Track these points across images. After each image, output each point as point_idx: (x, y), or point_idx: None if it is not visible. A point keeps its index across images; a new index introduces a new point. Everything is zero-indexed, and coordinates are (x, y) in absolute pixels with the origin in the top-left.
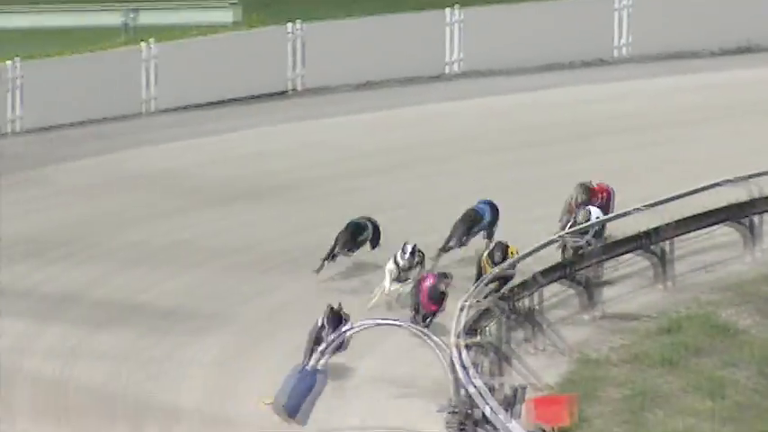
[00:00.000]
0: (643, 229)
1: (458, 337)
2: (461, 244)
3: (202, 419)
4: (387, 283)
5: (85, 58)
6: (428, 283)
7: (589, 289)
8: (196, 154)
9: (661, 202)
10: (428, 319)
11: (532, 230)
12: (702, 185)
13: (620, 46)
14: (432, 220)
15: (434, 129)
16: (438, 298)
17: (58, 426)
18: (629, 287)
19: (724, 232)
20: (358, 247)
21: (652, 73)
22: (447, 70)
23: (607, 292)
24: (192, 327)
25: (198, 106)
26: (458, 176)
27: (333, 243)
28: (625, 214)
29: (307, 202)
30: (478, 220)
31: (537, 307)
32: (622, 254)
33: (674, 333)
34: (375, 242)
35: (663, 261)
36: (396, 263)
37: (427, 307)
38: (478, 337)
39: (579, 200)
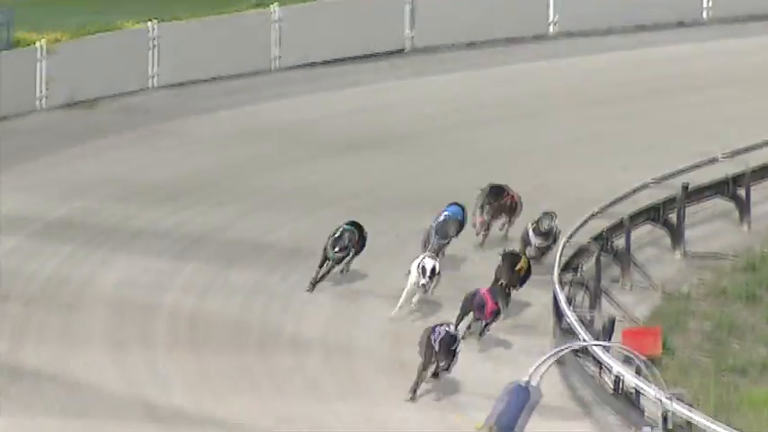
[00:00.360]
0: (725, 176)
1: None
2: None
3: (326, 348)
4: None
5: (218, 20)
6: (483, 292)
7: (675, 231)
8: (320, 107)
9: (739, 153)
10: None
11: (622, 178)
12: None
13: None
14: (532, 167)
15: (536, 84)
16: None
17: (194, 355)
18: (713, 229)
19: None
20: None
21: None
22: (549, 30)
23: (692, 233)
24: (313, 263)
25: (321, 64)
26: (556, 128)
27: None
28: (710, 162)
29: (420, 152)
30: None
31: (627, 247)
32: (708, 198)
33: (754, 270)
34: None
35: (743, 205)
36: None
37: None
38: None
39: (487, 201)
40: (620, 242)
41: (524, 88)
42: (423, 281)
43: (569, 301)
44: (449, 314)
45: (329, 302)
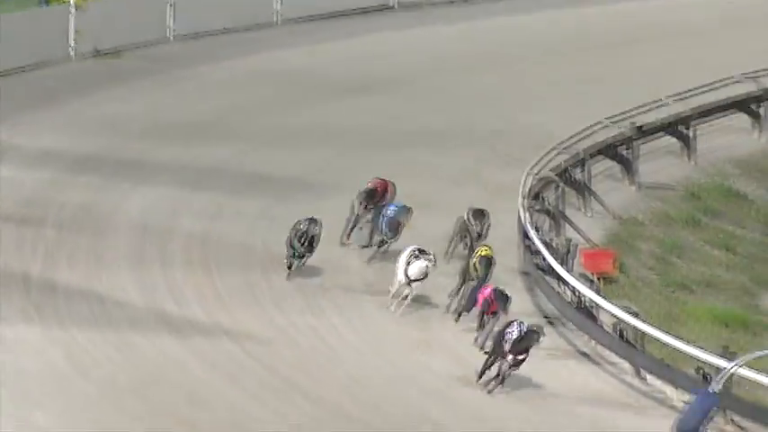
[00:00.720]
0: (672, 116)
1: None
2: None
3: (322, 268)
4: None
5: None
6: (488, 291)
7: (629, 165)
8: (318, 56)
9: (686, 95)
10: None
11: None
12: (720, 80)
13: None
14: (506, 109)
15: (508, 38)
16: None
17: (206, 273)
18: (662, 164)
19: (740, 119)
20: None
21: None
22: None
23: (644, 167)
24: (312, 193)
25: (318, 17)
26: (530, 75)
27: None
28: (659, 105)
29: (407, 95)
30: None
31: (586, 179)
32: (658, 136)
33: (697, 199)
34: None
35: (689, 142)
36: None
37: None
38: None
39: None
40: (580, 175)
41: (497, 40)
42: (407, 291)
43: (536, 228)
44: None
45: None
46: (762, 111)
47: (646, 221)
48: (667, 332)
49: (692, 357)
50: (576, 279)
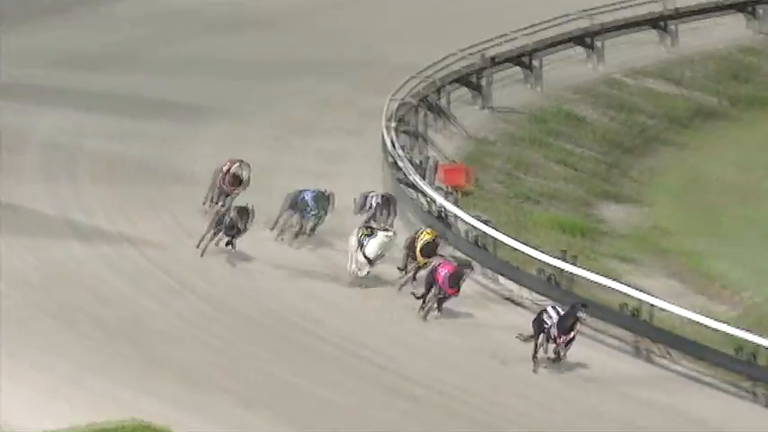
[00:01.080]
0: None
1: (388, 121)
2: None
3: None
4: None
5: None
6: (445, 270)
7: (483, 91)
8: None
9: (531, 30)
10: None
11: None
12: (561, 16)
13: None
14: (374, 42)
15: None
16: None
17: (110, 186)
18: (512, 91)
19: (578, 51)
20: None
21: None
22: None
23: (497, 93)
24: (206, 118)
25: None
26: (389, 13)
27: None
28: (508, 40)
29: (286, 31)
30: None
31: (445, 104)
32: (507, 66)
33: (541, 122)
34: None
35: (536, 72)
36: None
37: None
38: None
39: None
40: (437, 101)
41: None
42: (366, 269)
43: (402, 147)
44: None
45: (213, 145)
46: (597, 44)
47: (497, 141)
48: (515, 238)
49: (536, 260)
50: (435, 191)
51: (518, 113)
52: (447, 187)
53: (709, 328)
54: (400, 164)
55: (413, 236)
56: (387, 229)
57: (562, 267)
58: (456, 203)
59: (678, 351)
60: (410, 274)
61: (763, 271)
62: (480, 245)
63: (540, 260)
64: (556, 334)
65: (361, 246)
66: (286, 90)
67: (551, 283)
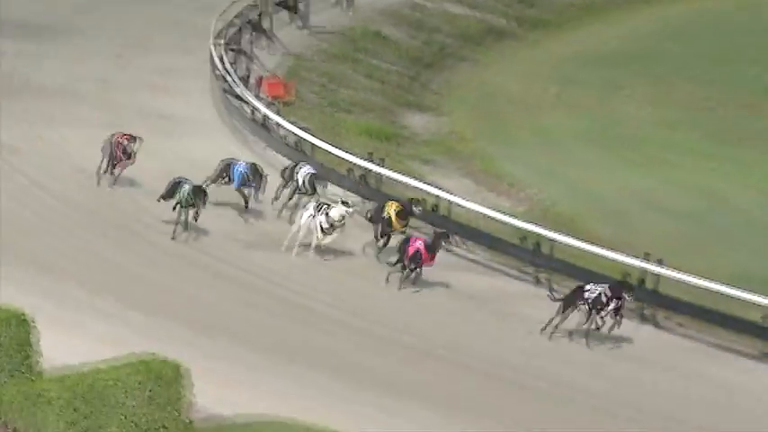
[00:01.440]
0: None
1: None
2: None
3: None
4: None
5: None
6: (419, 244)
7: (301, 13)
8: None
9: None
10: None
11: None
12: None
13: None
14: None
15: None
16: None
17: None
18: (330, 14)
19: None
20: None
21: None
22: None
23: (314, 17)
24: (65, 36)
25: None
26: None
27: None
28: None
29: None
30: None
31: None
32: None
33: (353, 41)
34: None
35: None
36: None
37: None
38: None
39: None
40: (261, 22)
41: None
42: (321, 236)
43: (230, 63)
44: None
45: (62, 60)
46: None
47: (313, 57)
48: (331, 143)
49: (347, 161)
50: (258, 101)
51: (331, 33)
52: (269, 98)
53: (498, 221)
54: (227, 78)
55: (377, 211)
56: (345, 202)
57: (371, 168)
58: (278, 112)
59: (473, 242)
60: (385, 239)
61: (544, 171)
62: (299, 149)
63: (351, 162)
64: (599, 309)
65: (325, 214)
66: (127, 12)
67: (361, 182)
